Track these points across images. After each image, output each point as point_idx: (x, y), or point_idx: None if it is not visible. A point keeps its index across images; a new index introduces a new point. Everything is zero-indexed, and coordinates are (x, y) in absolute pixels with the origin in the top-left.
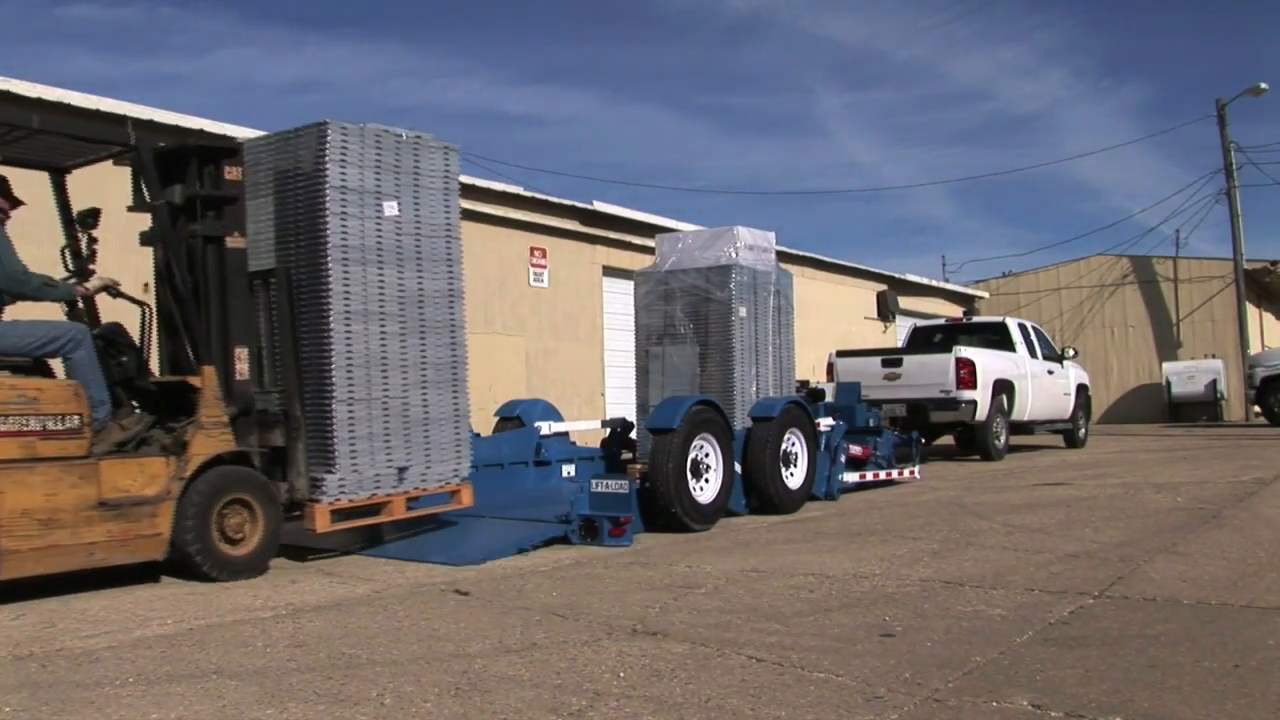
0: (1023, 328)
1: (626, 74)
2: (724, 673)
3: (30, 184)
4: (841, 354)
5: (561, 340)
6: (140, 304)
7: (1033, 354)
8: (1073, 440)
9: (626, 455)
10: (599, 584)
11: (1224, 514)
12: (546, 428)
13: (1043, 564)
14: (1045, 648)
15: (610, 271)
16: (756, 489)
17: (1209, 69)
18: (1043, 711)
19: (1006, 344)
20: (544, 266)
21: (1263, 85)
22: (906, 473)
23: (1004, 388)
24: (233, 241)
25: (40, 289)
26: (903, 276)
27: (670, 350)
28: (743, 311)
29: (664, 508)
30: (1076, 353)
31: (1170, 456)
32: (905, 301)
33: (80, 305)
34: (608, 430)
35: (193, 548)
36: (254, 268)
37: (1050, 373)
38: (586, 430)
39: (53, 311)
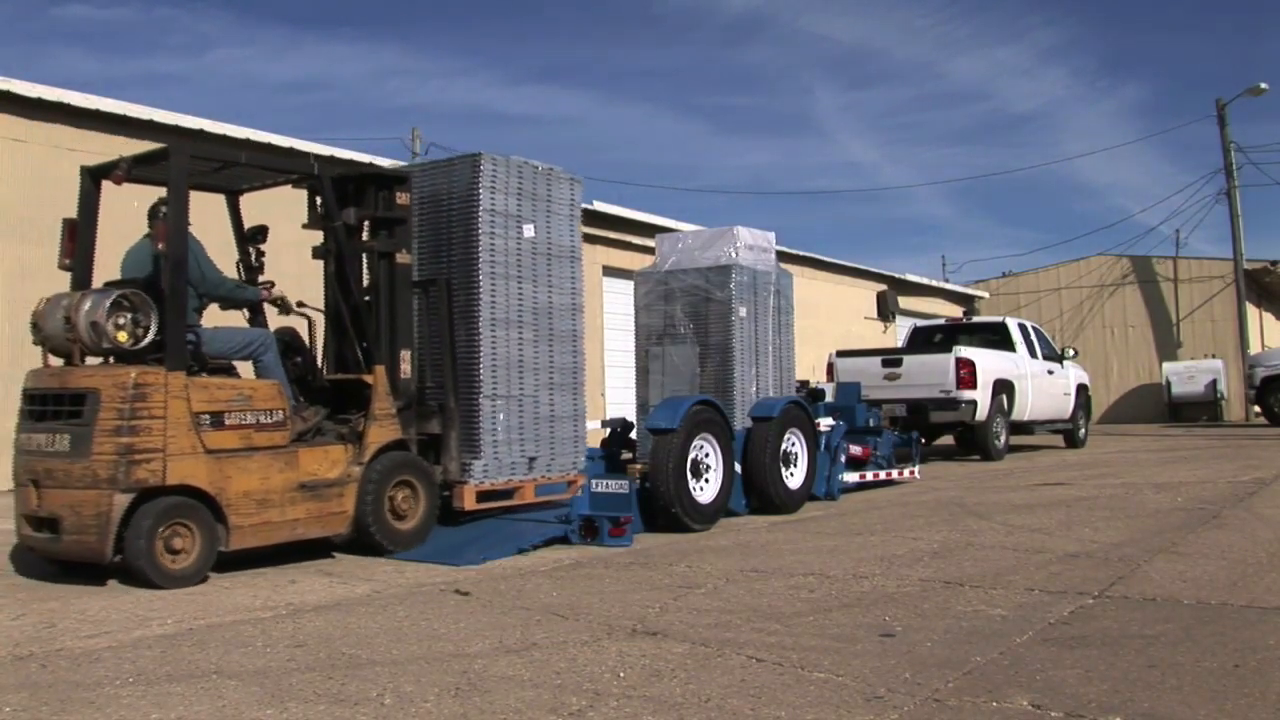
0: (1023, 328)
1: (625, 74)
2: (724, 673)
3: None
4: (841, 354)
5: None
6: (308, 314)
7: (1033, 354)
8: (1073, 440)
9: (626, 455)
10: (599, 584)
11: (1224, 514)
12: None
13: (1043, 564)
14: (1045, 648)
15: (610, 271)
16: (756, 489)
17: (1209, 69)
18: (1043, 711)
19: (1006, 344)
20: None
21: (1263, 85)
22: (906, 473)
23: (1004, 388)
24: (401, 257)
25: (234, 290)
26: (903, 276)
27: (670, 350)
28: (743, 311)
29: (664, 508)
30: (1076, 353)
31: (1170, 456)
32: (905, 301)
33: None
34: (608, 430)
35: (371, 523)
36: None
37: (1050, 373)
38: (587, 430)
39: (237, 319)
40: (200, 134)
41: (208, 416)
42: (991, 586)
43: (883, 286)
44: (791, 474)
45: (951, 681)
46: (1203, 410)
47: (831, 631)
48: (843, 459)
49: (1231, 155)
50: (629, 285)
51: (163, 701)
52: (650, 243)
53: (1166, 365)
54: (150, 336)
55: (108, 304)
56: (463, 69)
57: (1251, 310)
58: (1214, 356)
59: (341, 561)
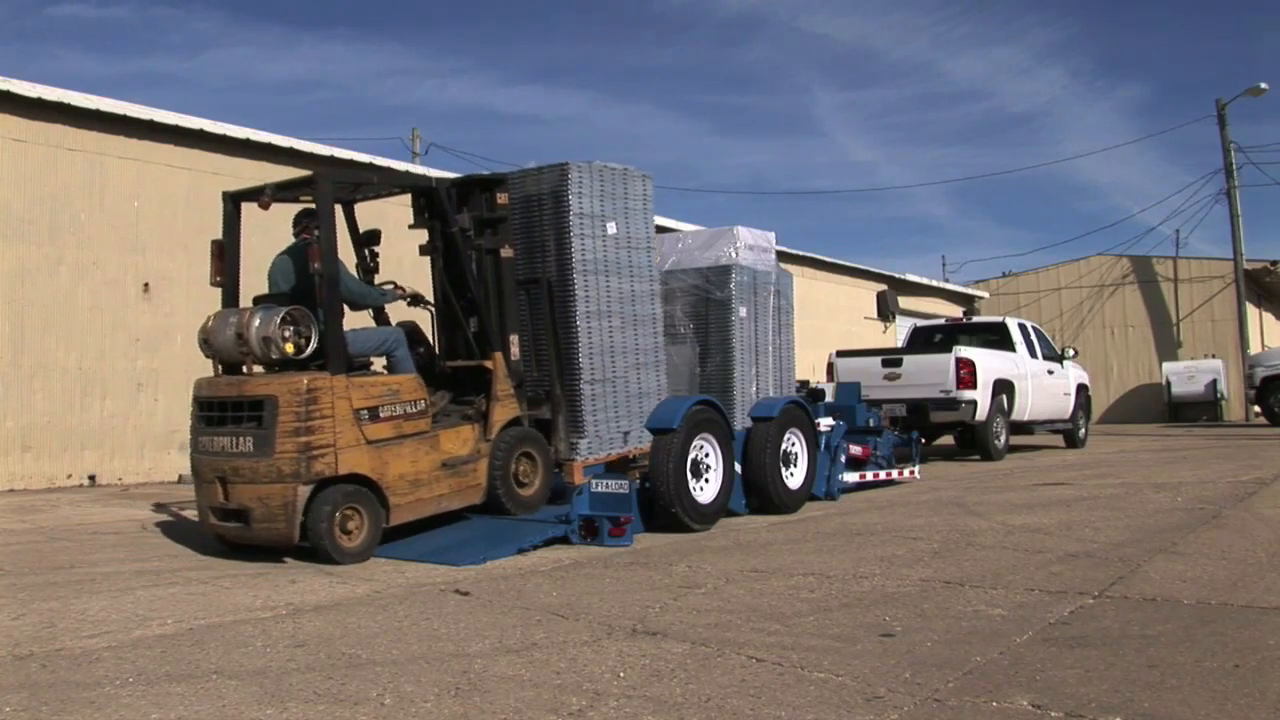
0: (1023, 328)
1: (621, 73)
2: (724, 673)
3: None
4: (841, 354)
5: None
6: (429, 308)
7: (1033, 354)
8: (1073, 440)
9: None
10: (599, 584)
11: (1224, 514)
12: None
13: (1043, 564)
14: (1045, 648)
15: None
16: (756, 489)
17: (1209, 69)
18: (1043, 711)
19: (1006, 344)
20: None
21: (1263, 85)
22: (906, 473)
23: (1004, 388)
24: (505, 252)
25: (377, 298)
26: (903, 276)
27: (670, 350)
28: (743, 311)
29: (664, 508)
30: (1076, 353)
31: (1170, 456)
32: (905, 301)
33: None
34: None
35: (500, 492)
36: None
37: (1050, 373)
38: None
39: (364, 318)
40: (201, 134)
41: (366, 412)
42: (991, 586)
43: (883, 286)
44: (791, 474)
45: (951, 681)
46: (1203, 410)
47: (831, 631)
48: (843, 459)
49: (1231, 155)
50: None
51: (163, 701)
52: None
53: (1166, 365)
54: (312, 346)
55: (277, 320)
56: (460, 68)
57: (1251, 310)
58: (1214, 356)
59: None
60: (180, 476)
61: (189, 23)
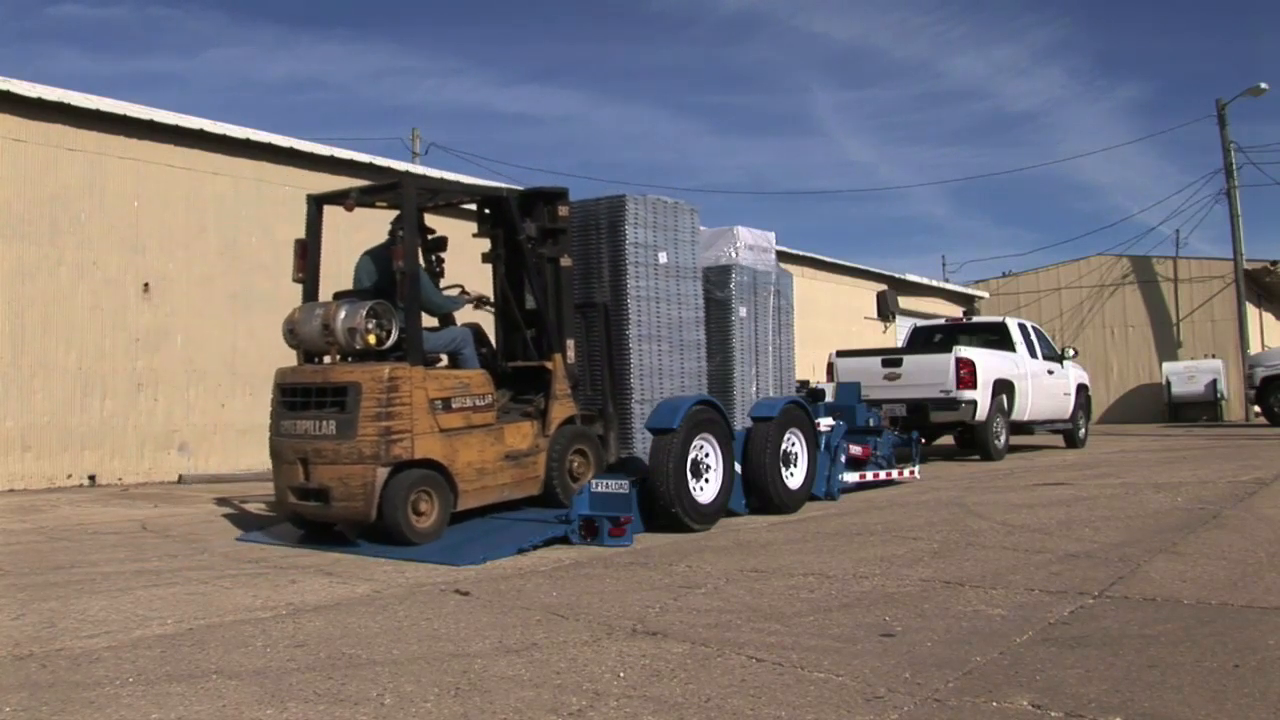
0: (1023, 328)
1: (619, 73)
2: (724, 673)
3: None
4: (841, 354)
5: None
6: (489, 311)
7: (1033, 354)
8: (1073, 440)
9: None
10: (599, 584)
11: (1224, 514)
12: None
13: (1043, 564)
14: (1045, 648)
15: None
16: (756, 489)
17: (1209, 69)
18: (1043, 711)
19: (1006, 344)
20: None
21: (1263, 85)
22: (906, 473)
23: (1004, 388)
24: (564, 261)
25: (451, 305)
26: (903, 276)
27: None
28: (743, 311)
29: (664, 508)
30: (1076, 353)
31: (1170, 456)
32: (905, 301)
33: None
34: None
35: (556, 485)
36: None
37: (1050, 373)
38: None
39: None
40: (201, 134)
41: (440, 402)
42: (991, 586)
43: (883, 286)
44: (791, 474)
45: (951, 681)
46: (1203, 410)
47: (831, 631)
48: (843, 459)
49: (1231, 155)
50: None
51: (163, 701)
52: None
53: (1166, 365)
54: (392, 338)
55: (363, 313)
56: (458, 69)
57: (1251, 310)
58: (1214, 356)
59: (341, 561)
60: (180, 476)
61: (187, 23)
